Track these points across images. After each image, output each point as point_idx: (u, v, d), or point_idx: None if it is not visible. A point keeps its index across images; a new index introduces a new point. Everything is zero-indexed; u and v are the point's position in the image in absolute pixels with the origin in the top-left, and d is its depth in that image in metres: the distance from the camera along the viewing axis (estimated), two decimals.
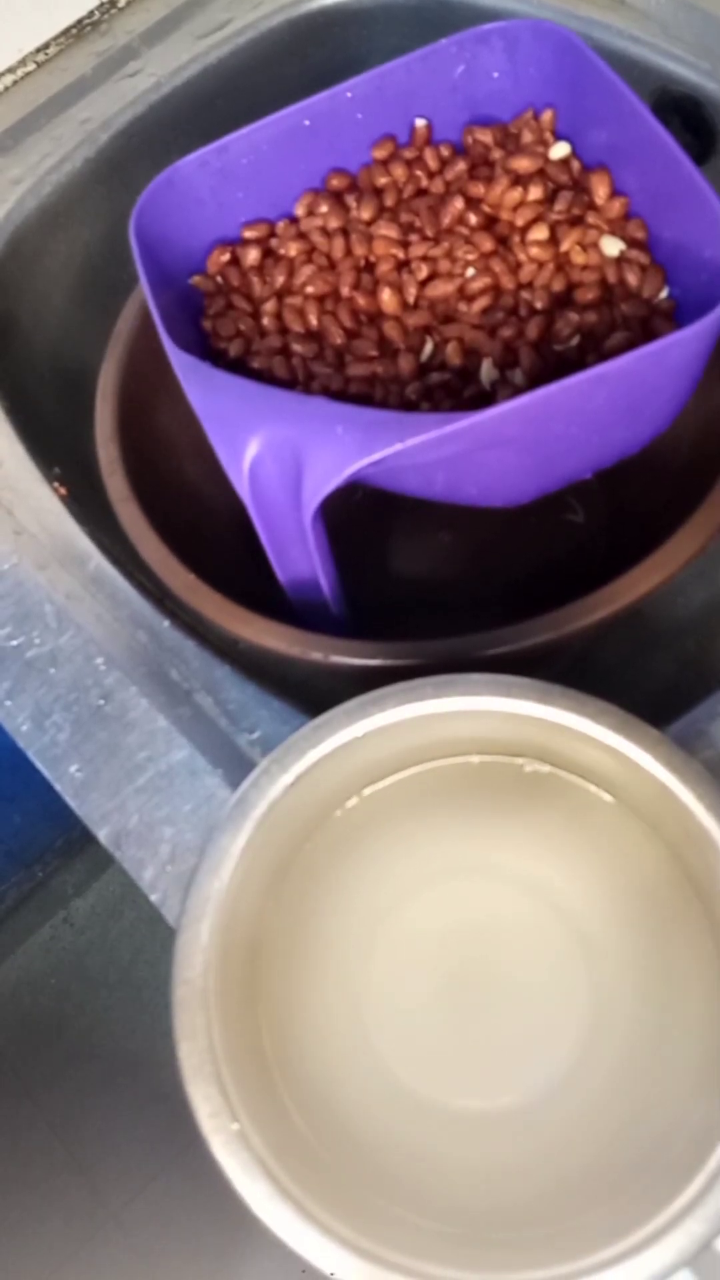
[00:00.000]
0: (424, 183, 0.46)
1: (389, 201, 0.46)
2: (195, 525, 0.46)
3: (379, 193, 0.46)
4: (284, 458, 0.38)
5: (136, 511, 0.43)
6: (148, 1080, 0.94)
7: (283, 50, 0.61)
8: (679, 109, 0.56)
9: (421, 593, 0.53)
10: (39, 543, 0.46)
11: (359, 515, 0.51)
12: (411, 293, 0.44)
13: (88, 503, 0.48)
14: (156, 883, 0.39)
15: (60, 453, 0.50)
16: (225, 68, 0.60)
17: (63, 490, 0.48)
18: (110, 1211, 0.93)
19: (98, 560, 0.46)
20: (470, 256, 0.44)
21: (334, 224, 0.46)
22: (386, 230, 0.45)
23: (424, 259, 0.44)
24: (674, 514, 0.40)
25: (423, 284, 0.44)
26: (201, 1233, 0.90)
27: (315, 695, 0.42)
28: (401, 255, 0.45)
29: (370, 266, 0.45)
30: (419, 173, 0.46)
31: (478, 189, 0.45)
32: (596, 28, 0.56)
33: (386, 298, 0.44)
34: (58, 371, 0.57)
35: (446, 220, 0.45)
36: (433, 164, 0.46)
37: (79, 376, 0.49)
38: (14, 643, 0.44)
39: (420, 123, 0.46)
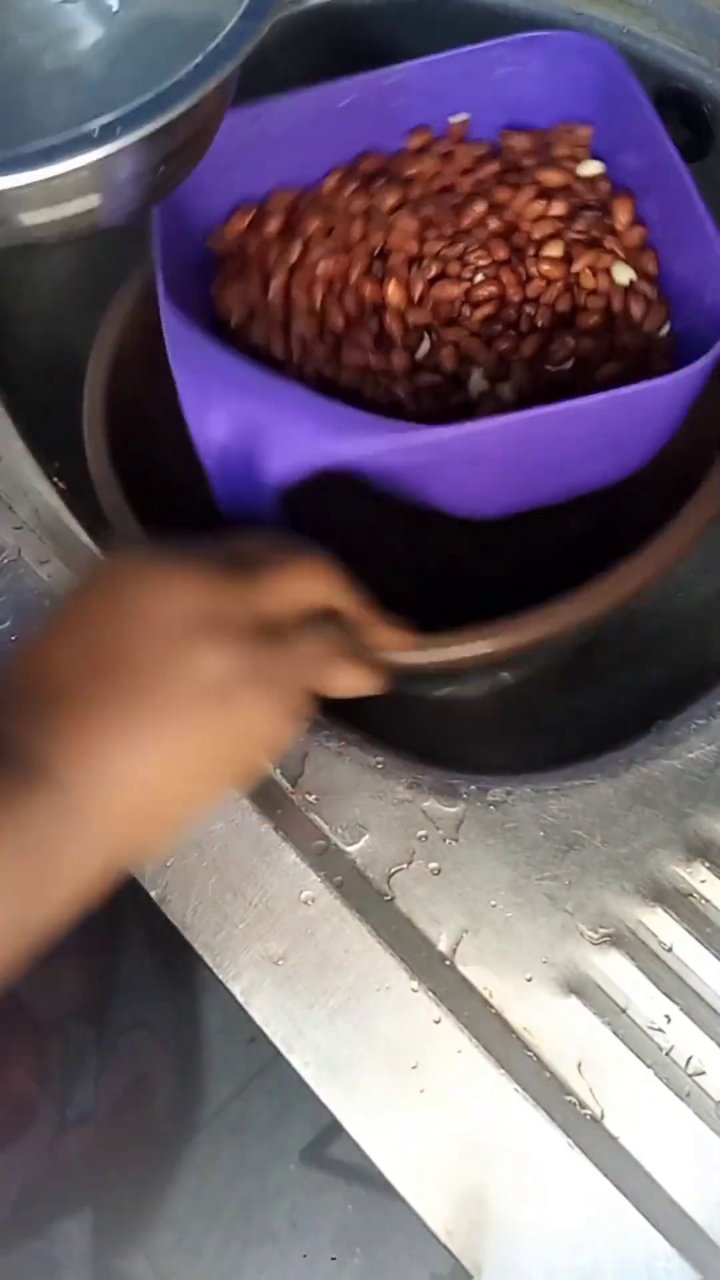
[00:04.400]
0: (452, 179, 0.46)
1: (415, 193, 0.46)
2: (175, 517, 0.46)
3: (406, 182, 0.46)
4: (247, 435, 0.38)
5: (123, 505, 0.43)
6: None
7: (282, 47, 0.61)
8: (677, 105, 0.56)
9: (414, 585, 0.53)
10: (39, 538, 0.46)
11: (351, 503, 0.51)
12: (418, 289, 0.44)
13: (88, 497, 0.48)
14: (156, 879, 0.39)
15: (60, 447, 0.50)
16: None
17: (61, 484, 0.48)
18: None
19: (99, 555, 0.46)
20: (482, 262, 0.43)
21: (357, 206, 0.45)
22: (406, 222, 0.45)
23: (436, 257, 0.44)
24: (670, 510, 0.40)
25: (430, 282, 0.44)
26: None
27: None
28: (415, 249, 0.44)
29: (383, 255, 0.45)
30: (449, 169, 0.46)
31: (503, 194, 0.44)
32: (596, 24, 0.56)
33: (392, 290, 0.44)
34: (57, 366, 0.56)
35: (466, 221, 0.44)
36: (465, 161, 0.45)
37: (79, 370, 0.49)
38: (14, 638, 0.44)
39: (459, 118, 0.46)
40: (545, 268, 0.43)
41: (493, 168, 0.45)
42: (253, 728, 0.30)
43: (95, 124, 0.27)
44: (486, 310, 0.43)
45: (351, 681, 0.32)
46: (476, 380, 0.42)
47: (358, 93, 0.45)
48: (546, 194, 0.44)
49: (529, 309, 0.43)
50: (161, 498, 0.44)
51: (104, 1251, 0.89)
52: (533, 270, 0.43)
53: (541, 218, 0.43)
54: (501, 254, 0.43)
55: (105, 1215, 0.90)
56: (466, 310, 0.43)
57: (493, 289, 0.43)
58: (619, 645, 0.54)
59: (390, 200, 0.45)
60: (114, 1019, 0.95)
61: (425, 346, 0.43)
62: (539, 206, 0.43)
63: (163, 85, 0.27)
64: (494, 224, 0.44)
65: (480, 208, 0.44)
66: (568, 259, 0.43)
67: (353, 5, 0.60)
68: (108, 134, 0.27)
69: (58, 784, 0.27)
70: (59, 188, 0.28)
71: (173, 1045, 0.98)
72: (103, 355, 0.45)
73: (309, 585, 0.33)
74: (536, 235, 0.43)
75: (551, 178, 0.44)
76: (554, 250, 0.43)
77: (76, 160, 0.27)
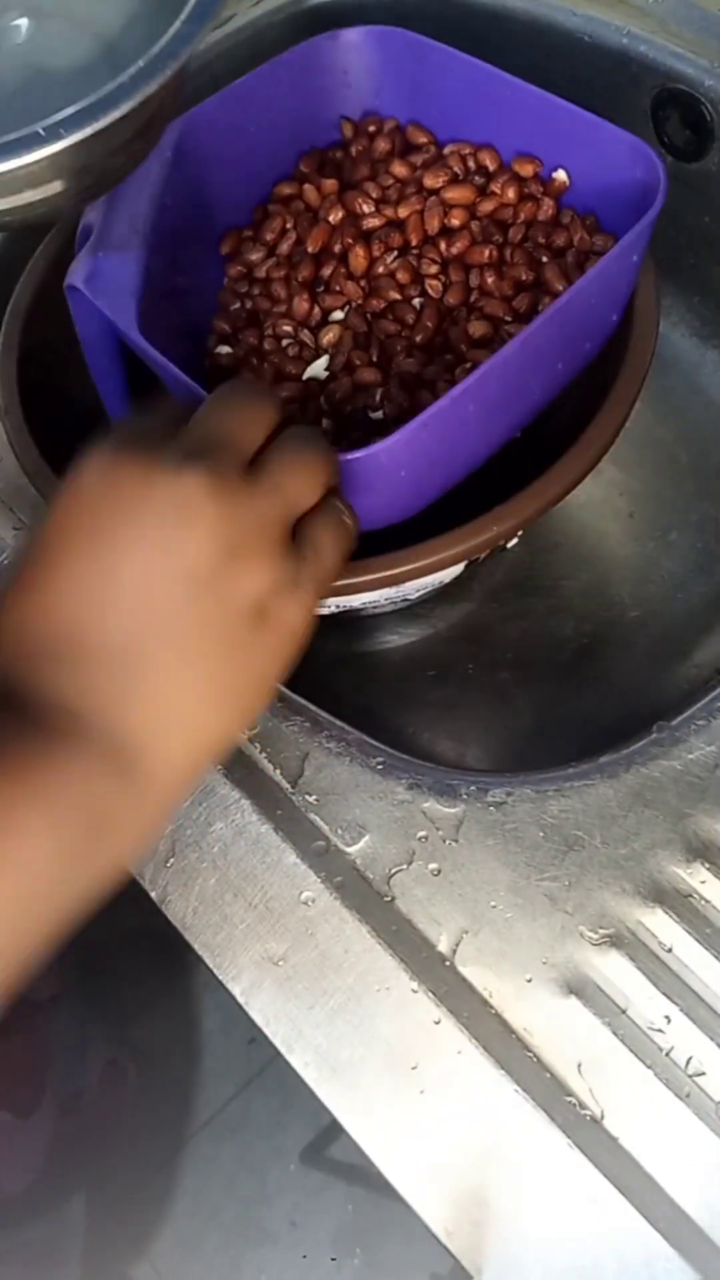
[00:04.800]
0: (515, 219, 0.45)
1: (485, 205, 0.45)
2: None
3: (484, 192, 0.45)
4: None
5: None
6: None
7: (282, 45, 0.61)
8: (677, 106, 0.56)
9: None
10: None
11: None
12: (375, 270, 0.45)
13: None
14: (156, 879, 0.39)
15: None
16: (226, 62, 0.60)
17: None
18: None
19: None
20: (433, 293, 0.44)
21: (413, 178, 0.46)
22: (430, 220, 0.45)
23: (413, 259, 0.44)
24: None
25: (389, 274, 0.44)
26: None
27: (314, 690, 0.42)
28: (414, 241, 0.45)
29: (392, 225, 0.45)
30: (524, 215, 0.45)
31: (518, 264, 0.44)
32: (596, 24, 0.56)
33: (356, 254, 0.45)
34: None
35: (471, 258, 0.44)
36: (543, 216, 0.45)
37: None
38: None
39: (562, 176, 0.45)
40: (470, 331, 0.42)
41: (559, 240, 0.44)
42: (291, 633, 0.30)
43: (40, 125, 0.28)
44: (391, 329, 0.43)
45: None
46: (316, 367, 0.43)
47: (496, 89, 0.44)
48: (533, 281, 0.43)
49: (414, 339, 0.43)
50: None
51: (104, 1251, 0.89)
52: (467, 327, 0.42)
53: (509, 298, 0.43)
54: (454, 299, 0.43)
55: (105, 1214, 0.90)
56: (385, 318, 0.44)
57: (412, 319, 0.43)
58: (619, 646, 0.54)
59: (452, 194, 0.45)
60: (103, 1008, 0.95)
61: (337, 316, 0.44)
62: (502, 273, 0.44)
63: (106, 88, 0.28)
64: (490, 278, 0.43)
65: (488, 254, 0.44)
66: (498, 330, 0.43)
67: (352, 4, 0.61)
68: (52, 134, 0.28)
69: (121, 750, 0.27)
70: (9, 181, 0.29)
71: (170, 1044, 0.98)
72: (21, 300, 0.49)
73: (315, 483, 0.32)
74: (506, 315, 0.43)
75: (554, 277, 0.43)
76: (476, 324, 0.42)
77: (22, 159, 0.28)
